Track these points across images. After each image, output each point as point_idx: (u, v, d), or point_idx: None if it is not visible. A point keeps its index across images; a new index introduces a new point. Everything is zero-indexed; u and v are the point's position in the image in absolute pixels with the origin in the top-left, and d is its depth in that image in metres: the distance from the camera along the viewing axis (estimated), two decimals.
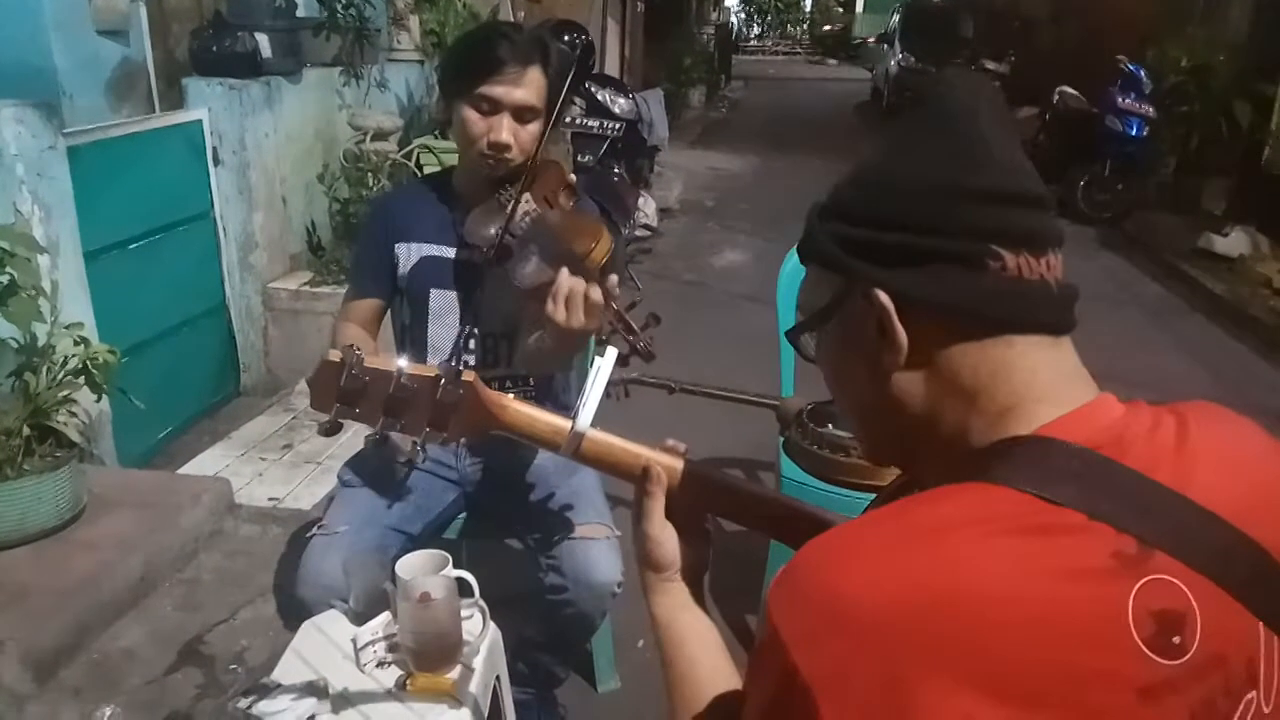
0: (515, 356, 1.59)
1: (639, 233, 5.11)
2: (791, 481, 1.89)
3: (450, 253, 1.60)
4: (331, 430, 0.88)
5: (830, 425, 1.88)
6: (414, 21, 4.30)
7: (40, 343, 2.30)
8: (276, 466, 2.82)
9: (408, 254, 1.61)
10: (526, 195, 1.50)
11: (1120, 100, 6.67)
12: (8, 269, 2.17)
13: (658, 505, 0.88)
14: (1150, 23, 8.03)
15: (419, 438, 0.88)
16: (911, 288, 0.66)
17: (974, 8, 13.25)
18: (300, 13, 3.96)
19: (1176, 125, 6.72)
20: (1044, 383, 0.67)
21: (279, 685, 1.14)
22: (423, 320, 1.61)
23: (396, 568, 1.26)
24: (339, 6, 3.93)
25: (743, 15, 31.44)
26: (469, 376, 0.88)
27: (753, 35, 33.15)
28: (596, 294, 1.26)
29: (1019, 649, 0.55)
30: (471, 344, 1.60)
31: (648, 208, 5.40)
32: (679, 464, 0.90)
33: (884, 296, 0.67)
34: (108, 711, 1.86)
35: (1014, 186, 0.66)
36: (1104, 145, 6.71)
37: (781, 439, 2.02)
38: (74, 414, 2.39)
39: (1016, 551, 0.58)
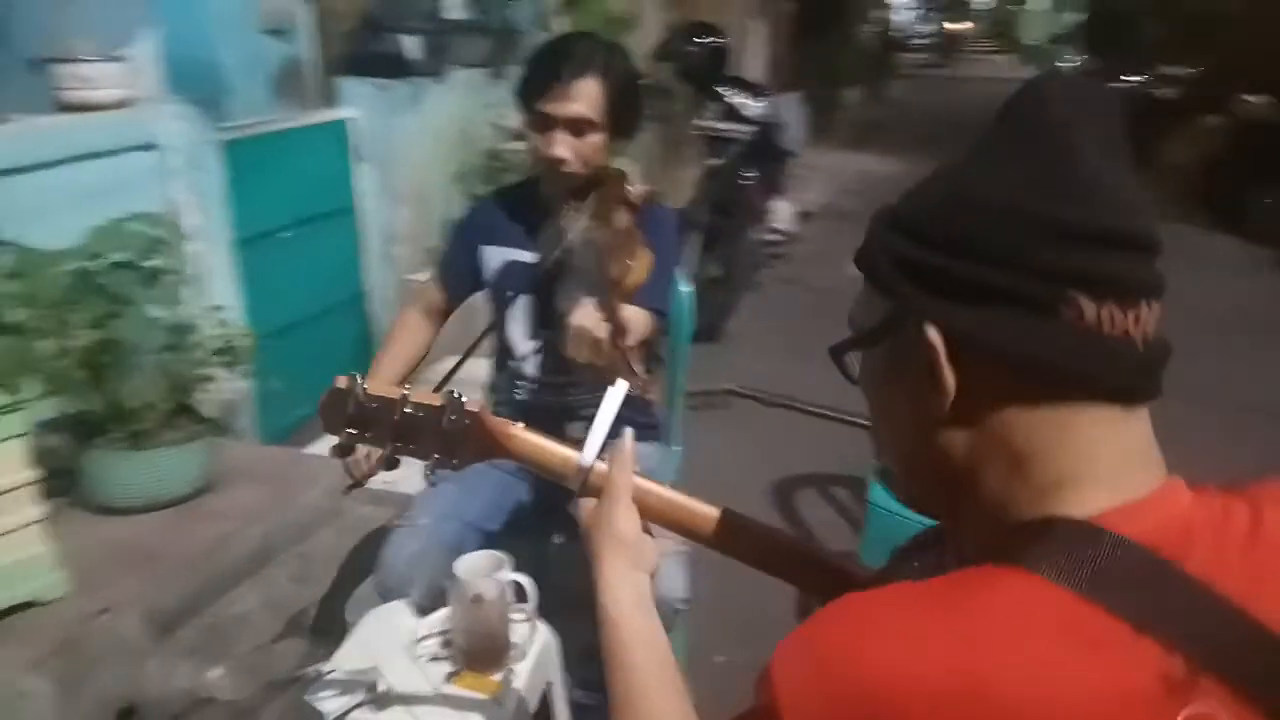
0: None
1: (770, 237, 5.06)
2: (880, 509, 1.84)
3: (529, 258, 1.63)
4: (344, 452, 0.91)
5: None
6: (557, 23, 4.39)
7: (180, 325, 2.48)
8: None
9: (492, 257, 1.66)
10: (584, 212, 1.51)
11: None
12: (156, 255, 2.35)
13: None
14: None
15: (429, 463, 0.90)
16: (969, 327, 0.59)
17: (1164, 8, 12.40)
18: (454, 14, 4.13)
19: None
20: (1107, 459, 0.59)
21: (332, 672, 1.20)
22: (503, 322, 1.65)
23: (455, 567, 1.30)
24: (488, 9, 4.06)
25: (913, 12, 30.52)
26: (473, 406, 0.90)
27: (922, 32, 32.14)
28: (601, 332, 1.25)
29: None
30: (541, 348, 1.63)
31: (783, 212, 5.34)
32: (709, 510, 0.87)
33: (935, 333, 0.60)
34: (217, 673, 2.01)
35: (1107, 222, 0.57)
36: None
37: (878, 464, 1.97)
38: (212, 391, 2.56)
39: (1055, 659, 0.52)
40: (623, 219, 1.55)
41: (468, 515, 1.58)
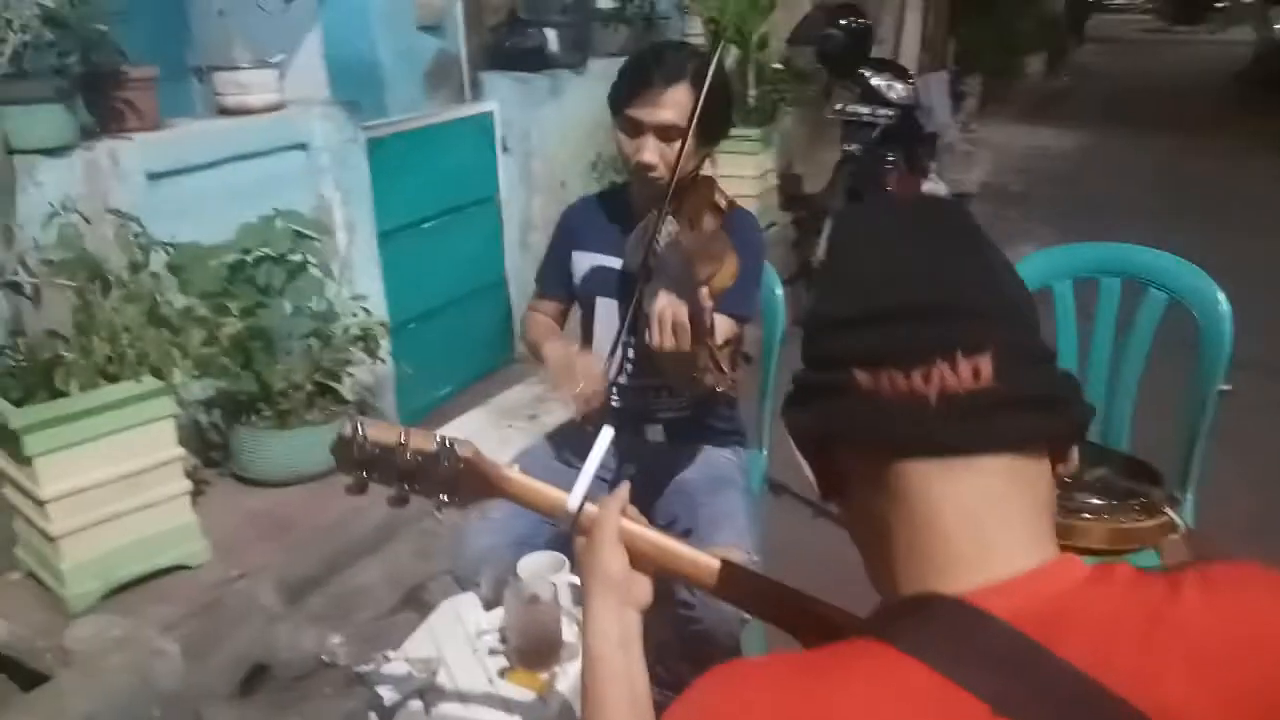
0: (665, 364, 1.63)
1: None
2: None
3: (617, 264, 1.67)
4: (359, 490, 0.98)
5: None
6: (697, 8, 4.38)
7: (323, 312, 2.67)
8: (519, 434, 3.07)
9: (582, 262, 1.71)
10: (670, 217, 1.53)
11: None
12: (299, 250, 2.55)
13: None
14: None
15: (434, 502, 0.95)
16: (793, 423, 0.67)
17: None
18: (597, 4, 4.20)
19: None
20: (979, 534, 0.59)
21: (397, 659, 1.29)
22: (591, 326, 1.70)
23: (518, 565, 1.37)
24: None
25: None
26: (467, 451, 0.95)
27: None
28: (683, 316, 1.26)
29: None
30: (630, 353, 1.66)
31: (938, 194, 5.12)
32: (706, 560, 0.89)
33: (790, 435, 0.69)
34: (336, 640, 2.17)
35: (868, 304, 0.62)
36: None
37: None
38: (351, 375, 2.76)
39: None
40: (710, 223, 1.56)
41: (520, 530, 1.62)
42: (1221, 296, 1.73)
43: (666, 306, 1.27)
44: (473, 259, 3.72)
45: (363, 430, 0.95)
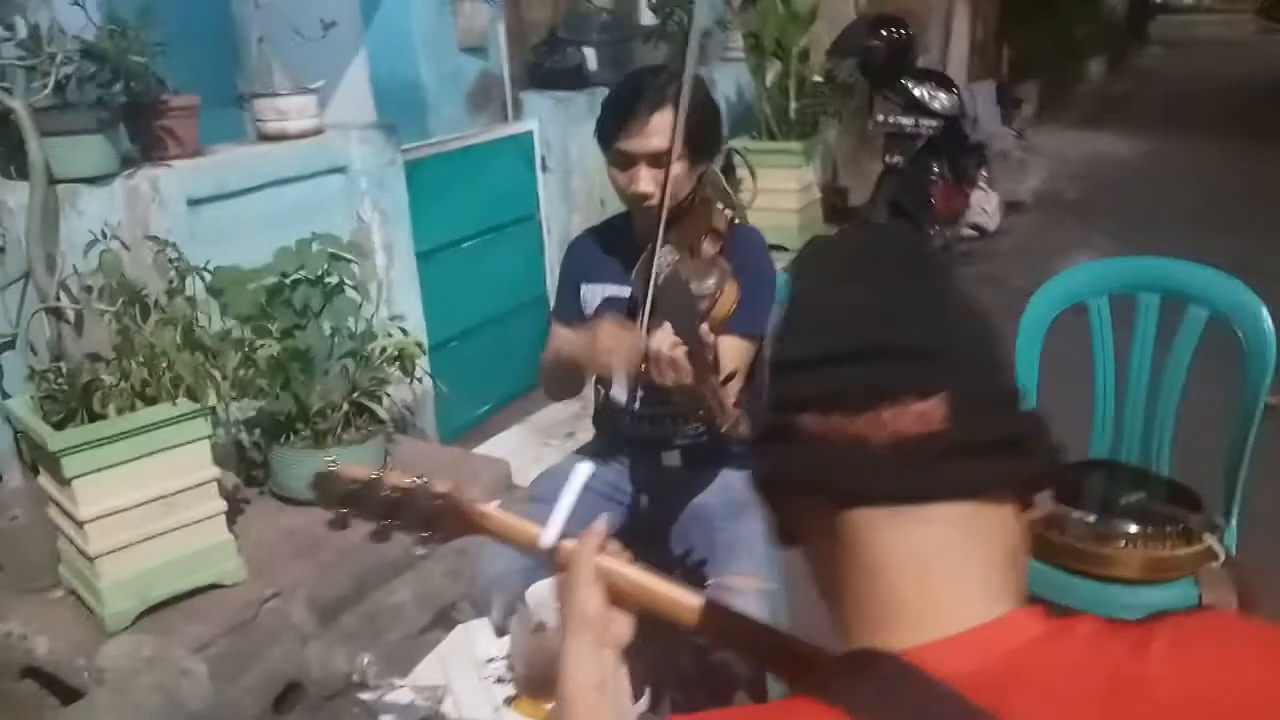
0: (674, 397, 1.61)
1: (966, 232, 4.78)
2: None
3: (623, 292, 1.65)
4: (340, 526, 0.99)
5: (1061, 496, 1.67)
6: (736, 22, 4.37)
7: (360, 333, 2.71)
8: (554, 453, 3.08)
9: (592, 294, 1.70)
10: (670, 245, 1.51)
11: None
12: (335, 272, 2.59)
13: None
14: None
15: (414, 538, 0.95)
16: (753, 469, 0.67)
17: None
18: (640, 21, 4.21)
19: None
20: (933, 582, 0.56)
21: (404, 686, 1.29)
22: None
23: (526, 593, 1.36)
24: (667, 15, 4.11)
25: None
26: (444, 487, 0.94)
27: None
28: (678, 353, 1.24)
29: None
30: (637, 380, 1.65)
31: (988, 204, 5.04)
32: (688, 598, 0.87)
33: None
34: (366, 659, 2.18)
35: (821, 346, 0.60)
36: None
37: None
38: (388, 395, 2.79)
39: None
40: (710, 248, 1.55)
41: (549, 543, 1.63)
42: (1266, 313, 1.66)
43: (662, 343, 1.26)
44: (513, 277, 3.75)
45: (338, 466, 0.95)
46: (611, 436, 1.76)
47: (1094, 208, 6.28)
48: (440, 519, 0.95)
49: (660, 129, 1.52)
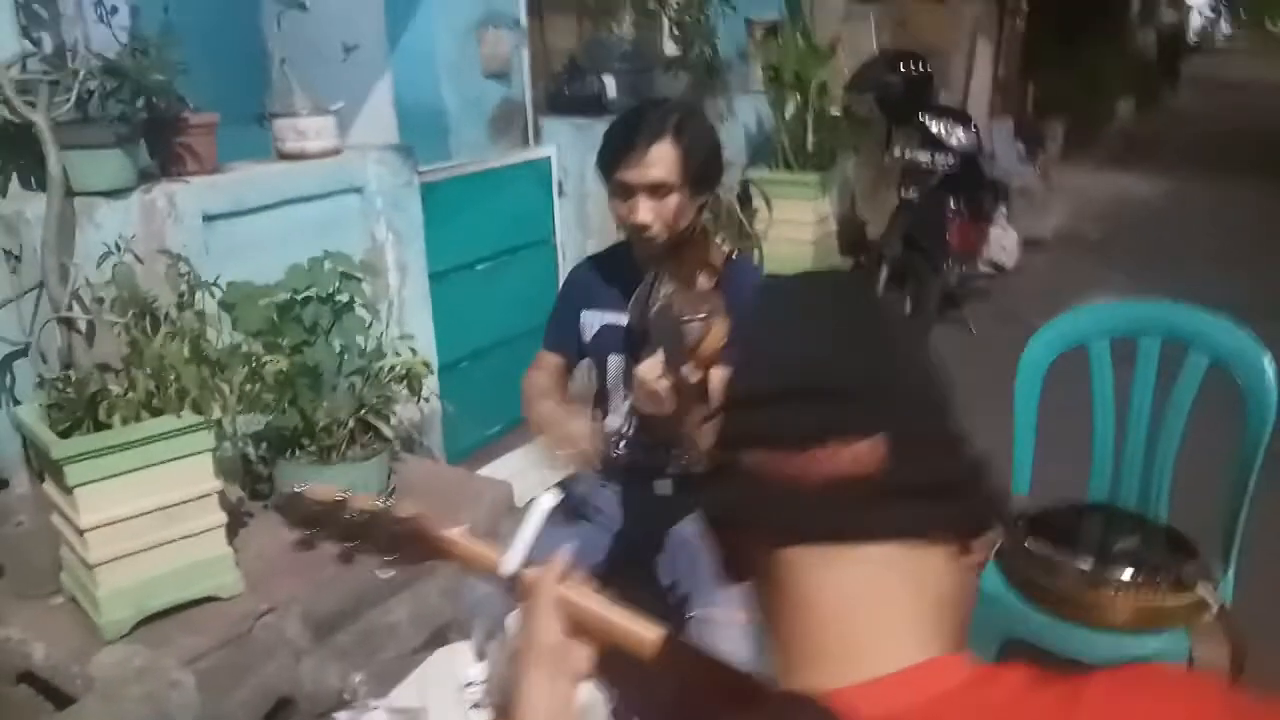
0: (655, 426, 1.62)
1: (983, 269, 4.76)
2: (989, 598, 1.70)
3: (622, 320, 1.67)
4: (307, 547, 0.99)
5: (1054, 540, 1.66)
6: (757, 56, 4.40)
7: (369, 351, 2.73)
8: (560, 476, 3.07)
9: (592, 320, 1.72)
10: (667, 277, 1.52)
11: None
12: (345, 290, 2.62)
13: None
14: None
15: (380, 562, 0.96)
16: (703, 506, 0.67)
17: None
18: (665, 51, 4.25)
19: None
20: (859, 624, 0.57)
21: (379, 707, 1.30)
22: (604, 384, 1.70)
23: (508, 618, 1.36)
24: (688, 46, 4.15)
25: (1210, 13, 27.60)
26: (408, 512, 0.95)
27: (1220, 35, 29.04)
28: (659, 385, 1.25)
29: None
30: (632, 408, 1.66)
31: (1006, 241, 5.02)
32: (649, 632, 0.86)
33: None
34: (357, 678, 2.19)
35: (764, 385, 0.62)
36: None
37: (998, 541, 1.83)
38: (395, 413, 2.81)
39: None
40: (704, 282, 1.56)
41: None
42: (1268, 361, 1.64)
43: (647, 372, 1.28)
44: (527, 300, 3.76)
45: (303, 488, 0.96)
46: (606, 463, 1.76)
47: (1116, 247, 6.24)
48: (404, 543, 0.96)
49: (659, 160, 1.54)
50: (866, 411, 0.57)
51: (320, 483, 2.61)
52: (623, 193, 1.59)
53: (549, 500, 0.97)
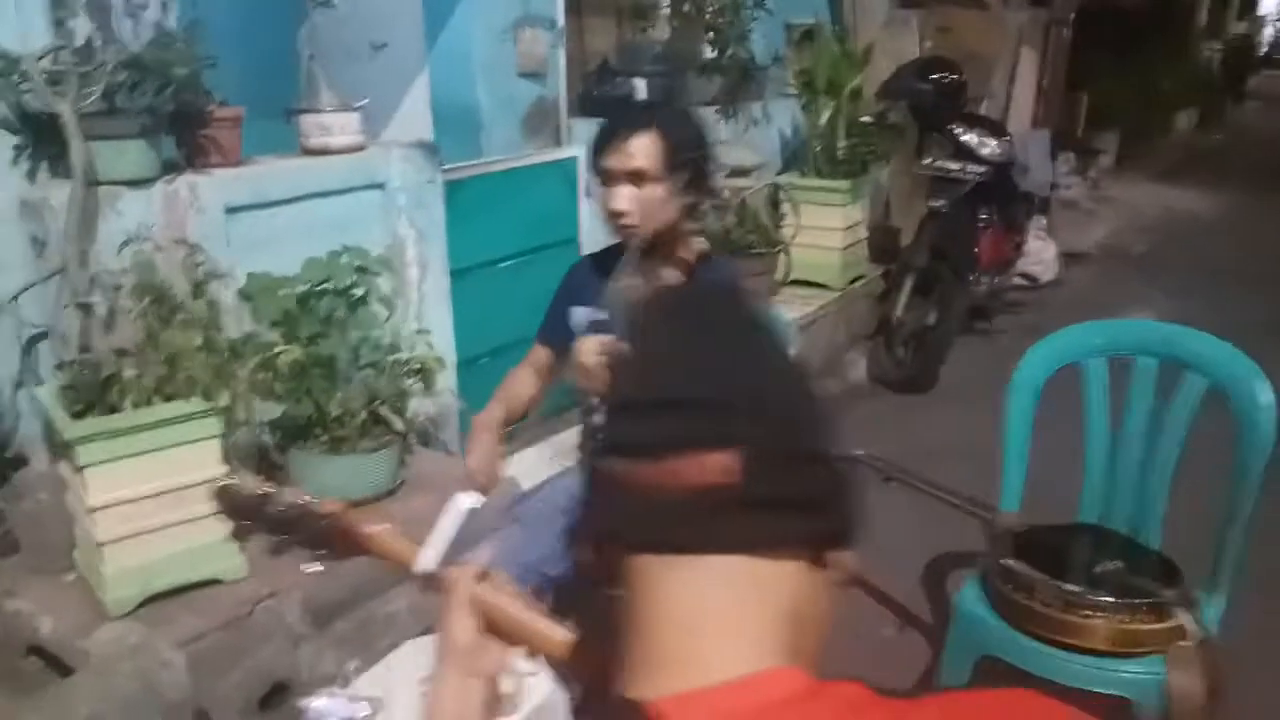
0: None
1: (1017, 281, 4.68)
2: (966, 614, 1.68)
3: (605, 316, 1.69)
4: (241, 536, 1.02)
5: (1037, 559, 1.63)
6: (791, 60, 4.39)
7: (384, 345, 2.78)
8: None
9: (580, 317, 1.74)
10: (631, 268, 1.54)
11: None
12: (361, 284, 2.67)
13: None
14: None
15: (313, 553, 0.98)
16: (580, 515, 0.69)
17: None
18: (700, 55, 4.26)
19: None
20: (698, 632, 0.57)
21: (342, 695, 1.32)
22: None
23: None
24: (723, 49, 4.14)
25: None
26: (331, 506, 0.97)
27: None
28: (593, 363, 1.29)
29: None
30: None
31: (1045, 254, 4.93)
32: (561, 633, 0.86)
33: None
34: (352, 665, 2.23)
35: (631, 394, 0.63)
36: None
37: (984, 560, 1.81)
38: (407, 407, 2.85)
39: None
40: (670, 276, 1.58)
41: (526, 557, 1.66)
42: (1263, 387, 1.60)
43: (585, 351, 1.31)
44: (547, 300, 3.79)
45: (236, 478, 0.99)
46: (587, 455, 1.79)
47: (1159, 263, 6.10)
48: (330, 537, 0.98)
49: (640, 149, 1.58)
50: (724, 424, 0.58)
51: (328, 472, 2.66)
52: (607, 180, 1.62)
53: (467, 500, 0.98)
